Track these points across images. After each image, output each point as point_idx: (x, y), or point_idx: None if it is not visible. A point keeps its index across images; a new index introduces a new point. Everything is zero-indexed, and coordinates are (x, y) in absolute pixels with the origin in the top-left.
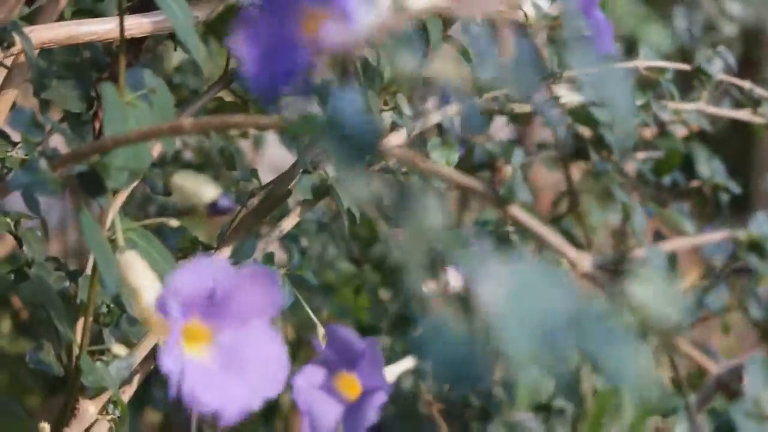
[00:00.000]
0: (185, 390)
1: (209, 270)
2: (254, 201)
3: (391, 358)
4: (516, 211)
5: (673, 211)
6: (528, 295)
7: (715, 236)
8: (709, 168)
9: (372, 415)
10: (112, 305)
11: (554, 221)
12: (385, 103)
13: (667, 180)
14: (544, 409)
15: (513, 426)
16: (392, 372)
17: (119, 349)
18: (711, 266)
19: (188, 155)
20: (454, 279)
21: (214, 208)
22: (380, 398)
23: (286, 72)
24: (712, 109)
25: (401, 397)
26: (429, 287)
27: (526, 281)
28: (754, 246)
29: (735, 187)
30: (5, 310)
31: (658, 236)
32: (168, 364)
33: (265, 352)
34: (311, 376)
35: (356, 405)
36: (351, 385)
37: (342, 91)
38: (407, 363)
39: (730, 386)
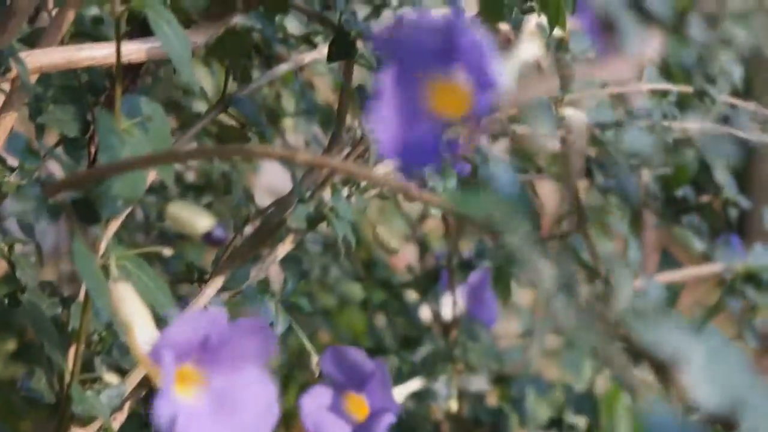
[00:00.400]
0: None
1: (204, 321)
2: (249, 228)
3: (398, 378)
4: (512, 239)
5: (684, 227)
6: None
7: (713, 268)
8: (725, 177)
9: None
10: (103, 333)
11: (561, 238)
12: None
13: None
14: (555, 425)
15: None
16: (400, 392)
17: (111, 378)
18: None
19: (191, 176)
20: (446, 307)
21: (208, 238)
22: (389, 419)
23: (423, 147)
24: (720, 129)
25: (410, 416)
26: (424, 313)
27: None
28: (751, 277)
29: (745, 202)
30: (7, 333)
31: (666, 255)
32: (160, 407)
33: (256, 398)
34: (318, 396)
35: (364, 426)
36: (359, 406)
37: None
38: (415, 384)
39: (728, 421)
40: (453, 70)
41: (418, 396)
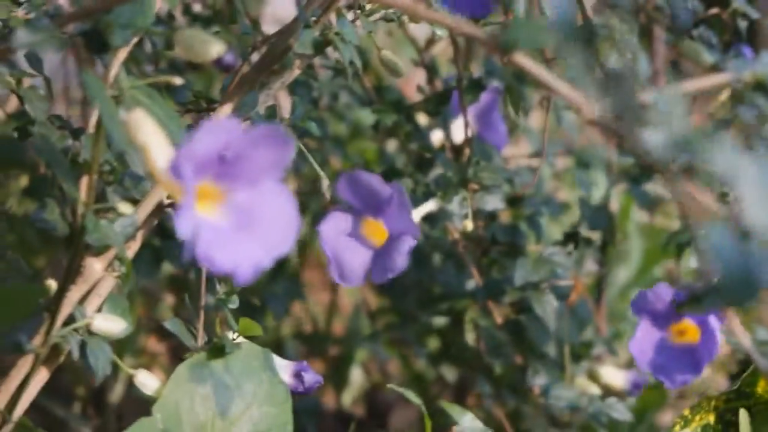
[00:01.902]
0: (199, 250)
1: (220, 131)
2: (256, 56)
3: (413, 200)
4: (521, 57)
5: (694, 39)
6: None
7: (722, 78)
8: None
9: (401, 260)
10: (115, 163)
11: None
12: None
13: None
14: (571, 239)
15: (541, 260)
16: (416, 214)
17: (124, 207)
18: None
19: (198, 7)
20: (457, 130)
21: (219, 64)
22: (408, 243)
23: None
24: None
25: (427, 238)
26: (435, 137)
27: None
28: (760, 86)
29: (754, 12)
30: (19, 170)
31: (675, 66)
32: (182, 223)
33: (276, 210)
34: (337, 223)
35: (383, 250)
36: (377, 230)
37: None
38: (430, 205)
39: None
40: None
41: (433, 217)
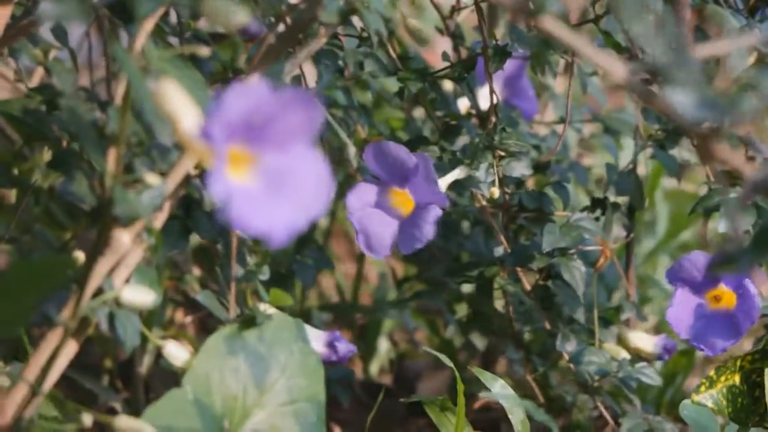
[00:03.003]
0: (232, 214)
1: (250, 95)
2: (281, 25)
3: (439, 168)
4: (548, 22)
5: (719, 3)
6: None
7: (749, 39)
8: None
9: (428, 229)
10: (143, 135)
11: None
12: None
13: None
14: (599, 205)
15: (568, 226)
16: (443, 182)
17: (152, 178)
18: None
19: None
20: (483, 98)
21: (245, 33)
22: (435, 212)
23: None
24: None
25: (454, 206)
26: (462, 105)
27: None
28: None
29: None
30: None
31: (700, 31)
32: (215, 188)
33: (307, 173)
34: (363, 194)
35: (411, 220)
36: (404, 200)
37: None
38: (457, 173)
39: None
40: None
41: (461, 184)
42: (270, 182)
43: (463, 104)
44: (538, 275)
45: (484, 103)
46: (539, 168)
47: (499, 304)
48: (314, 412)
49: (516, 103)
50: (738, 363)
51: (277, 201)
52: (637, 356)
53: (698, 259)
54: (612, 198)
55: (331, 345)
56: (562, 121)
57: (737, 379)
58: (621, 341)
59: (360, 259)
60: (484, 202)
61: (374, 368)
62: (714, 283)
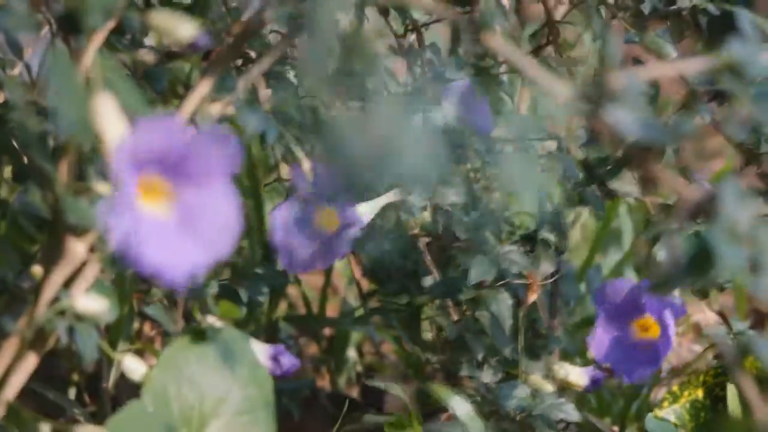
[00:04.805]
0: (135, 246)
1: (160, 130)
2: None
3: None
4: (494, 40)
5: (654, 35)
6: None
7: (694, 63)
8: None
9: (346, 246)
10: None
11: (535, 53)
12: None
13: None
14: (529, 241)
15: (498, 258)
16: (375, 205)
17: (102, 187)
18: (694, 92)
19: None
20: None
21: (194, 47)
22: (355, 231)
23: None
24: None
25: (388, 231)
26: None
27: None
28: (731, 70)
29: (714, 9)
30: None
31: (638, 63)
32: (116, 219)
33: (220, 212)
34: (290, 210)
35: (333, 237)
36: (330, 218)
37: None
38: (390, 196)
39: (706, 210)
40: None
41: (392, 209)
42: (184, 217)
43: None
44: (466, 306)
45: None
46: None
47: (427, 334)
48: (267, 421)
49: (470, 119)
50: (701, 378)
51: (186, 236)
52: (567, 388)
53: (622, 286)
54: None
55: (275, 358)
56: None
57: (700, 393)
58: (548, 374)
59: (327, 271)
60: (417, 230)
61: (342, 381)
62: (639, 311)
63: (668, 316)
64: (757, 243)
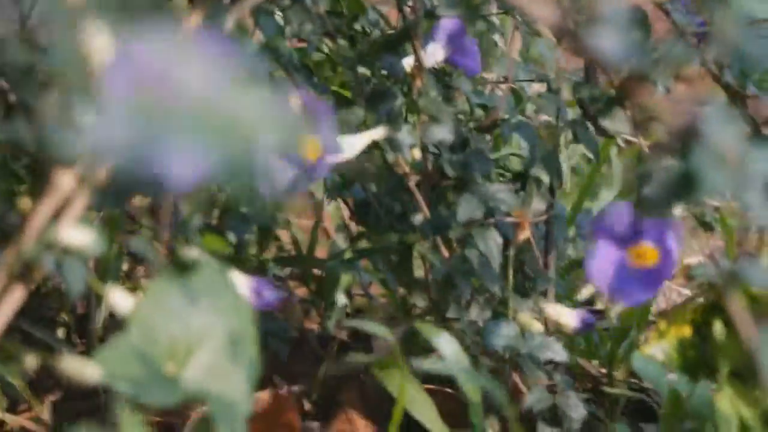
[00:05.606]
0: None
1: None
2: None
3: (364, 129)
4: None
5: None
6: None
7: None
8: None
9: (324, 172)
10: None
11: None
12: None
13: None
14: (520, 178)
15: (486, 196)
16: (360, 140)
17: (90, 119)
18: (677, 26)
19: None
20: (430, 55)
21: None
22: (334, 159)
23: None
24: None
25: (378, 168)
26: (407, 63)
27: None
28: None
29: None
30: None
31: None
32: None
33: None
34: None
35: (314, 165)
36: (313, 146)
37: None
38: (376, 132)
39: (691, 132)
40: None
41: (381, 146)
42: None
43: (407, 63)
44: (456, 244)
45: (430, 62)
46: (484, 129)
47: (418, 272)
48: (249, 352)
49: (459, 60)
50: (688, 315)
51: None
52: (557, 329)
53: (623, 211)
54: (535, 173)
55: (257, 292)
56: (505, 80)
57: (688, 331)
58: (537, 313)
59: (317, 213)
60: (406, 168)
61: (332, 323)
62: (637, 237)
63: (670, 239)
64: (742, 163)
